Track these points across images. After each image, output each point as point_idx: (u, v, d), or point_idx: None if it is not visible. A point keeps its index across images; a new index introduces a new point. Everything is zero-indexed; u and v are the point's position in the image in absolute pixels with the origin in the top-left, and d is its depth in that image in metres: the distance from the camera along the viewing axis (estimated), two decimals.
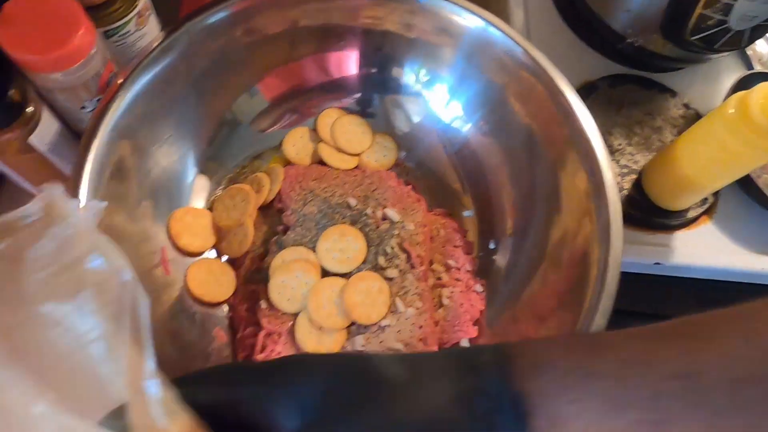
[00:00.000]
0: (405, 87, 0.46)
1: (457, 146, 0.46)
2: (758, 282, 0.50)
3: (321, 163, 0.48)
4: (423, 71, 0.45)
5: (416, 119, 0.48)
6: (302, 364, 0.22)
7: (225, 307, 0.42)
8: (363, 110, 0.48)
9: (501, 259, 0.44)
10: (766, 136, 0.38)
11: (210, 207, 0.45)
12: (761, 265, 0.50)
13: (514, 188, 0.43)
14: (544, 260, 0.40)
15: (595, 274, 0.37)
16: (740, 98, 0.39)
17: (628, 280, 0.50)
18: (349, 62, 0.45)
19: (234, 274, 0.43)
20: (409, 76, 0.45)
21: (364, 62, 0.45)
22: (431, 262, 0.45)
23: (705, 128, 0.44)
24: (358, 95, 0.48)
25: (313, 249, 0.42)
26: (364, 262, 0.42)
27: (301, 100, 0.47)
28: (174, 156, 0.41)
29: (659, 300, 0.52)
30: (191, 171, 0.44)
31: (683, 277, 0.52)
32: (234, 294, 0.42)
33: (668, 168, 0.48)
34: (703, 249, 0.51)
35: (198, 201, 0.44)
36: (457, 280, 0.44)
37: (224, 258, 0.44)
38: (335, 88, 0.47)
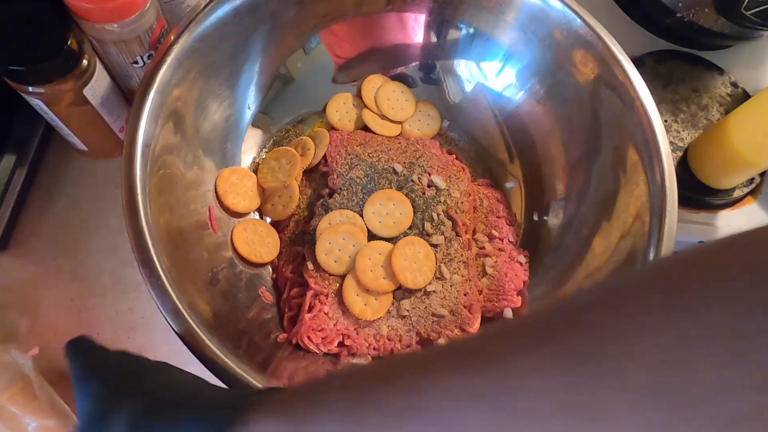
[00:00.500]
0: (459, 52, 0.46)
1: (507, 114, 0.46)
2: None
3: (364, 129, 0.48)
4: (479, 36, 0.44)
5: (468, 87, 0.47)
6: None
7: (269, 269, 0.42)
8: (426, 76, 0.48)
9: (547, 229, 0.44)
10: None
11: (255, 169, 0.45)
12: None
13: (567, 155, 0.42)
14: (595, 232, 0.40)
15: (645, 245, 0.37)
16: None
17: None
18: (414, 24, 0.44)
19: (278, 237, 0.43)
20: (465, 41, 0.45)
21: (427, 25, 0.45)
22: (474, 232, 0.45)
23: (762, 102, 0.43)
24: (419, 59, 0.47)
25: (360, 213, 0.42)
26: (410, 228, 0.42)
27: (360, 61, 0.46)
28: (227, 111, 0.41)
29: None
30: (243, 126, 0.43)
31: None
32: (278, 256, 0.42)
33: (718, 145, 0.47)
34: (747, 229, 0.50)
35: (248, 158, 0.44)
36: (500, 250, 0.44)
37: (268, 220, 0.44)
38: (397, 50, 0.46)
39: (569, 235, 0.42)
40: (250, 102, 0.43)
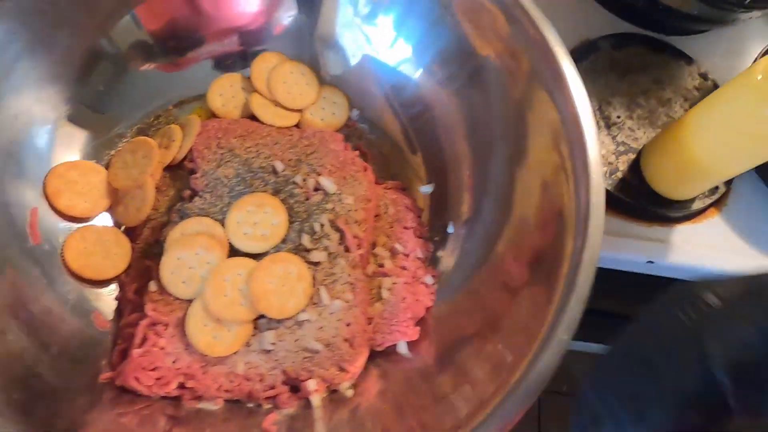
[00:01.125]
0: (339, 21, 0.37)
1: (404, 99, 0.38)
2: None
3: (253, 118, 0.40)
4: (362, 0, 0.36)
5: (353, 61, 0.38)
6: None
7: (114, 286, 0.35)
8: (298, 48, 0.39)
9: (451, 247, 0.36)
10: None
11: (107, 163, 0.37)
12: None
13: (471, 151, 0.34)
14: (504, 253, 0.32)
15: (566, 271, 0.29)
16: None
17: (616, 278, 0.42)
18: None
19: (130, 247, 0.35)
20: (346, 7, 0.36)
21: None
22: (374, 245, 0.37)
23: (724, 99, 0.35)
24: (283, 29, 0.39)
25: (222, 222, 0.34)
26: (283, 242, 0.34)
27: (197, 34, 0.38)
28: (30, 99, 0.33)
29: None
30: (58, 119, 0.35)
31: (682, 280, 0.44)
32: (126, 270, 0.35)
33: (674, 147, 0.39)
34: (708, 247, 0.42)
35: (71, 156, 0.36)
36: (403, 268, 0.36)
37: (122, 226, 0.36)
38: (254, 20, 0.38)
39: (475, 252, 0.34)
40: (68, 84, 0.34)
